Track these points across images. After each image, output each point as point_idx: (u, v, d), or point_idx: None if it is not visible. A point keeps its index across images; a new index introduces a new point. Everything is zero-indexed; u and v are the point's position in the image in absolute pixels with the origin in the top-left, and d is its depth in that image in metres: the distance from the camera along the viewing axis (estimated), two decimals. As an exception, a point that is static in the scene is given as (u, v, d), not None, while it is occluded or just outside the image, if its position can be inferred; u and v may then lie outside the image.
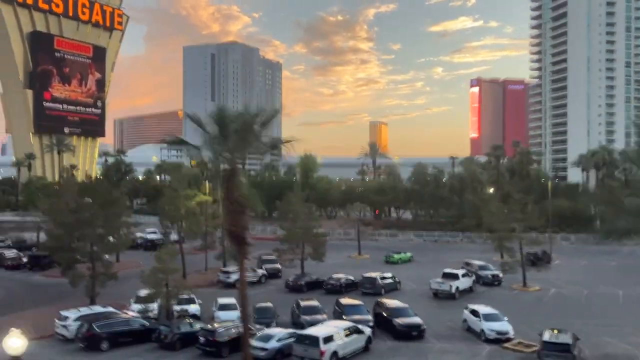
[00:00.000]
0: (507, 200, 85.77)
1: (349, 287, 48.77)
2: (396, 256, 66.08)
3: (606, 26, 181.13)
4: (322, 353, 28.90)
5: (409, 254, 67.90)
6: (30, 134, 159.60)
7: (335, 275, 50.21)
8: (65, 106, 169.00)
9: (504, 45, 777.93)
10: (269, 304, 38.40)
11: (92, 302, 42.30)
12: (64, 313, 34.99)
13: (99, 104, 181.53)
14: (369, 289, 47.45)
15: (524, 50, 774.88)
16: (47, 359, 31.16)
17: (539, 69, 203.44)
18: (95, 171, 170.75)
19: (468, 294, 48.16)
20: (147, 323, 34.55)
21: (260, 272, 53.94)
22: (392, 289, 49.03)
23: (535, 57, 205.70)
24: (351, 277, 49.98)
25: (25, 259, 61.76)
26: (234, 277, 50.39)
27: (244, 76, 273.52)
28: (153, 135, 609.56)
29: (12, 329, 15.00)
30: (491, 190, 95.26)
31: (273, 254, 56.24)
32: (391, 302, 38.33)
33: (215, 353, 31.22)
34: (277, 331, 32.00)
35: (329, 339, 29.54)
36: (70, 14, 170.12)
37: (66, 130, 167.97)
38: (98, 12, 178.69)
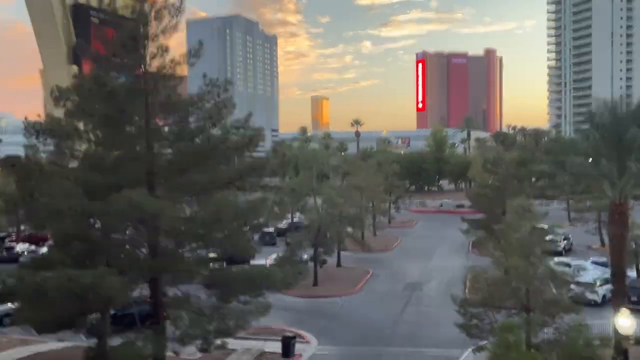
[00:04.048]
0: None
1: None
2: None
3: (627, 2, 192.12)
4: None
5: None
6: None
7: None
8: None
9: (429, 19, 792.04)
10: None
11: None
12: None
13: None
14: None
15: (448, 24, 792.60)
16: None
17: (558, 43, 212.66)
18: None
19: None
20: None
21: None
22: None
23: (553, 32, 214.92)
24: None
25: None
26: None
27: (246, 51, 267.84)
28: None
29: (622, 309, 16.49)
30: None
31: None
32: None
33: None
34: None
35: None
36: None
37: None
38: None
